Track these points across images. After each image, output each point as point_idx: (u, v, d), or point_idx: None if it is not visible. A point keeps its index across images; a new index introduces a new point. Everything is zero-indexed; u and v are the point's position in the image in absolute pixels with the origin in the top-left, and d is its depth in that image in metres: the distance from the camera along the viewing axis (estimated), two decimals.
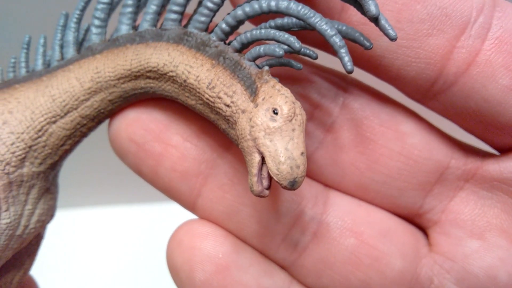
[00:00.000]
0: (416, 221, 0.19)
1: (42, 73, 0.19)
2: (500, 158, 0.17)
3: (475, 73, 0.15)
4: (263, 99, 0.15)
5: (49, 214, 0.21)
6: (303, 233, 0.18)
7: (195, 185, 0.18)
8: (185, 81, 0.17)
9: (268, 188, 0.15)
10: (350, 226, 0.18)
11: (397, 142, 0.17)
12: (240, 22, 0.16)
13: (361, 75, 0.18)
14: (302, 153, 0.15)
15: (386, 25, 0.15)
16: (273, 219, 0.18)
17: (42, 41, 0.20)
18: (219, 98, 0.16)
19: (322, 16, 0.15)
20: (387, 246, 0.18)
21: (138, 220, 0.49)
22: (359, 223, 0.18)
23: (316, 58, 0.16)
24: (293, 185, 0.15)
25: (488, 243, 0.18)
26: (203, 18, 0.17)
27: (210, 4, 0.17)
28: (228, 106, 0.16)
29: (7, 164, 0.18)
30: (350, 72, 0.15)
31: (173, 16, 0.17)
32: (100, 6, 0.19)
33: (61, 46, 0.19)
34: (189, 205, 0.18)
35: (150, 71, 0.18)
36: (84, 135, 0.19)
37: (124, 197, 0.49)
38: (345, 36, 0.16)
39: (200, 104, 0.17)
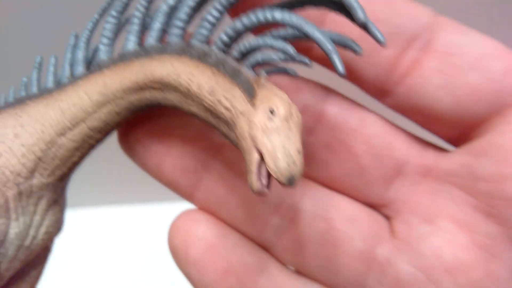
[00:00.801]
0: (382, 211, 0.21)
1: (52, 90, 0.20)
2: (451, 154, 0.20)
3: (416, 76, 0.19)
4: (261, 102, 0.16)
5: (56, 227, 0.21)
6: (282, 219, 0.21)
7: (192, 180, 0.21)
8: (187, 89, 0.18)
9: (268, 187, 0.16)
10: (321, 213, 0.21)
11: (364, 142, 0.20)
12: (239, 34, 0.17)
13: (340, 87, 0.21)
14: (298, 151, 0.15)
15: (375, 31, 0.16)
16: (257, 208, 0.21)
17: (53, 61, 0.21)
18: (219, 102, 0.17)
19: (316, 25, 0.16)
20: (351, 230, 0.21)
21: (138, 220, 0.50)
22: (329, 210, 0.21)
23: (309, 64, 0.17)
24: (290, 182, 0.15)
25: (437, 228, 0.20)
26: (204, 32, 0.18)
27: (210, 18, 0.18)
28: (227, 109, 0.17)
29: (18, 175, 0.19)
30: (342, 74, 0.16)
31: (176, 31, 0.19)
32: (109, 26, 0.20)
33: (71, 65, 0.20)
34: (188, 197, 0.22)
35: (154, 82, 0.18)
36: (92, 147, 0.20)
37: (124, 197, 0.49)
38: (337, 43, 0.17)
39: (202, 110, 0.18)
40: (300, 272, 0.21)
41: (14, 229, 0.19)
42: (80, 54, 0.20)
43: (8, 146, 0.19)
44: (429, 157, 0.20)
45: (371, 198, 0.21)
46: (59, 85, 0.20)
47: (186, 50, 0.18)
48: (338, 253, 0.21)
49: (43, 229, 0.20)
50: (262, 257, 0.21)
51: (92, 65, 0.20)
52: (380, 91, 0.20)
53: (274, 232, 0.21)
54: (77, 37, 0.20)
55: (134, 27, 0.19)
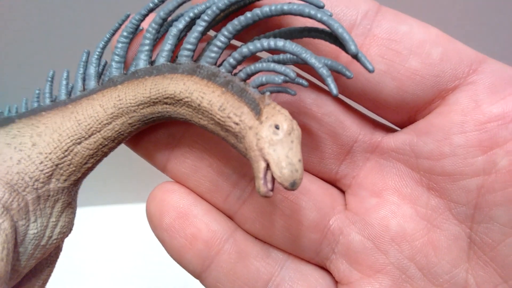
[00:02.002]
0: (337, 185, 0.24)
1: (67, 102, 0.22)
2: (397, 133, 0.23)
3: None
4: (266, 118, 0.19)
5: (69, 227, 0.23)
6: (244, 190, 0.23)
7: (165, 152, 0.23)
8: (199, 105, 0.20)
9: (272, 190, 0.18)
10: (278, 185, 0.23)
11: (318, 122, 0.22)
12: (245, 57, 0.20)
13: None
14: (299, 160, 0.18)
15: (365, 61, 0.19)
16: (221, 179, 0.23)
17: (65, 75, 0.22)
18: (229, 117, 0.19)
19: (312, 52, 0.19)
20: (305, 201, 0.23)
21: (138, 220, 0.49)
22: None
23: (307, 86, 0.20)
24: (293, 186, 0.18)
25: (383, 200, 0.23)
26: (213, 54, 0.21)
27: (218, 43, 0.20)
28: (237, 124, 0.19)
29: (36, 180, 0.21)
30: (336, 95, 0.19)
31: (186, 53, 0.21)
32: (120, 44, 0.22)
33: (83, 79, 0.22)
34: (162, 168, 0.24)
35: (167, 97, 0.21)
36: (105, 154, 0.22)
37: (124, 197, 0.50)
38: (330, 68, 0.20)
39: (211, 124, 0.20)
40: (261, 239, 0.24)
41: (33, 230, 0.21)
42: (92, 70, 0.22)
43: (27, 154, 0.21)
44: (377, 136, 0.23)
45: (325, 173, 0.23)
46: (73, 98, 0.22)
47: (196, 71, 0.21)
48: (293, 222, 0.23)
49: (57, 230, 0.22)
50: (229, 225, 0.23)
51: (102, 79, 0.22)
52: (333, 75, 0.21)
53: (236, 202, 0.23)
54: (88, 53, 0.22)
55: (146, 47, 0.22)
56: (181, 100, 0.21)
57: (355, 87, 0.21)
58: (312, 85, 0.22)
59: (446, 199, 0.22)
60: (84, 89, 0.22)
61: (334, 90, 0.19)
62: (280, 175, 0.18)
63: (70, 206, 0.23)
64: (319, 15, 0.19)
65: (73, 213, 0.23)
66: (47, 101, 0.22)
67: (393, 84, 0.21)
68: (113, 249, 0.50)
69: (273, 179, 0.18)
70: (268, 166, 0.18)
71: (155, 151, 0.24)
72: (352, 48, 0.18)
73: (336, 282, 0.24)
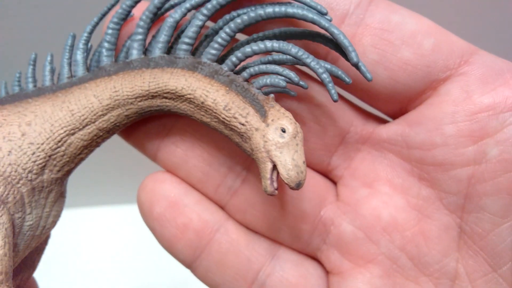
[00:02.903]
0: (329, 176, 0.24)
1: (55, 89, 0.21)
2: (389, 124, 0.23)
3: None
4: (272, 120, 0.19)
5: (59, 216, 0.23)
6: (235, 180, 0.23)
7: (155, 141, 0.23)
8: (202, 103, 0.20)
9: (277, 189, 0.19)
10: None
11: (310, 113, 0.22)
12: (247, 57, 0.20)
13: None
14: (303, 162, 0.19)
15: (365, 70, 0.20)
16: (212, 169, 0.23)
17: (49, 58, 0.22)
18: (235, 118, 0.20)
19: (314, 56, 0.20)
20: (296, 192, 0.23)
21: (137, 220, 0.50)
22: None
23: (306, 88, 0.20)
24: (298, 186, 0.19)
25: (375, 190, 0.23)
26: (214, 51, 0.21)
27: (220, 40, 0.20)
28: (243, 124, 0.20)
29: (30, 172, 0.20)
30: (336, 101, 0.20)
31: (185, 46, 0.21)
32: (110, 31, 0.21)
33: (70, 65, 0.22)
34: (152, 157, 0.24)
35: (168, 92, 0.21)
36: (98, 145, 0.22)
37: (123, 197, 0.50)
38: (330, 73, 0.20)
39: (215, 121, 0.20)
40: (253, 229, 0.24)
41: (28, 221, 0.20)
42: (80, 56, 0.21)
43: (18, 145, 0.20)
44: (369, 127, 0.23)
45: (316, 164, 0.23)
46: (61, 85, 0.21)
47: (197, 67, 0.21)
48: (284, 213, 0.23)
49: (50, 219, 0.22)
50: (220, 215, 0.23)
51: (91, 66, 0.22)
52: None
53: (227, 192, 0.23)
54: (74, 37, 0.22)
55: (139, 36, 0.21)
56: (183, 96, 0.21)
57: (348, 75, 0.21)
58: (304, 75, 0.22)
59: (437, 189, 0.22)
60: (71, 75, 0.22)
61: (335, 96, 0.20)
62: (287, 176, 0.19)
63: (62, 195, 0.22)
64: (323, 22, 0.19)
65: (64, 202, 0.23)
66: (30, 86, 0.22)
67: (385, 74, 0.21)
68: (111, 250, 0.50)
69: (278, 178, 0.19)
70: (274, 167, 0.19)
71: (145, 140, 0.23)
72: (353, 56, 0.19)
73: (327, 272, 0.24)
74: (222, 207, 0.24)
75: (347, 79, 0.20)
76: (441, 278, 0.22)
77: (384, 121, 0.23)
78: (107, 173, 0.47)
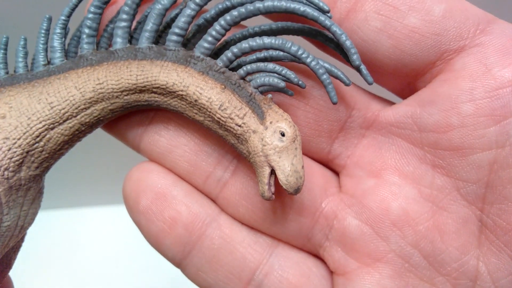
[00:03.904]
0: (330, 166, 0.22)
1: (30, 78, 0.20)
2: (396, 105, 0.21)
3: (353, 18, 0.19)
4: (270, 123, 0.19)
5: (37, 213, 0.21)
6: (225, 170, 0.21)
7: (137, 131, 0.21)
8: (196, 100, 0.19)
9: (273, 193, 0.19)
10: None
11: (305, 95, 0.20)
12: (244, 53, 0.19)
13: None
14: (302, 167, 0.19)
15: (366, 73, 0.19)
16: (200, 159, 0.21)
17: (22, 43, 0.20)
18: (231, 118, 0.19)
19: (313, 56, 0.19)
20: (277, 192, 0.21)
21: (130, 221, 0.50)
22: None
23: (304, 87, 0.19)
24: (296, 192, 0.19)
25: (382, 180, 0.21)
26: (207, 45, 0.19)
27: (214, 34, 0.19)
28: (239, 126, 0.19)
29: (6, 169, 0.19)
30: (335, 103, 0.19)
31: (175, 38, 0.19)
32: (91, 15, 0.20)
33: (46, 50, 0.20)
34: (135, 147, 0.22)
35: (157, 87, 0.19)
36: (79, 139, 0.20)
37: (120, 198, 0.50)
38: (329, 73, 0.19)
39: (208, 121, 0.19)
40: (247, 224, 0.22)
41: (6, 222, 0.19)
42: (57, 41, 0.20)
43: None
44: (373, 109, 0.21)
45: (315, 153, 0.21)
46: (37, 74, 0.20)
47: (190, 61, 0.19)
48: (280, 205, 0.21)
49: (28, 218, 0.20)
50: (212, 208, 0.21)
51: (68, 52, 0.20)
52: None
53: (217, 184, 0.21)
54: (50, 20, 0.20)
55: (123, 23, 0.20)
56: (174, 92, 0.19)
57: None
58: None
59: (453, 177, 0.19)
60: (48, 62, 0.20)
61: (334, 99, 0.19)
62: (286, 182, 0.18)
63: (39, 192, 0.21)
64: (325, 21, 0.18)
65: (41, 198, 0.21)
66: (1, 72, 0.20)
67: (389, 43, 0.19)
68: (108, 250, 0.49)
69: (275, 183, 0.19)
70: (272, 172, 0.19)
71: (127, 129, 0.21)
72: (355, 58, 0.19)
73: (331, 272, 0.22)
74: (212, 200, 0.22)
75: (346, 81, 0.19)
76: (460, 278, 0.19)
77: (390, 103, 0.21)
78: (105, 173, 0.46)
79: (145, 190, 0.21)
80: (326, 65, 0.19)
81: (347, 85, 0.20)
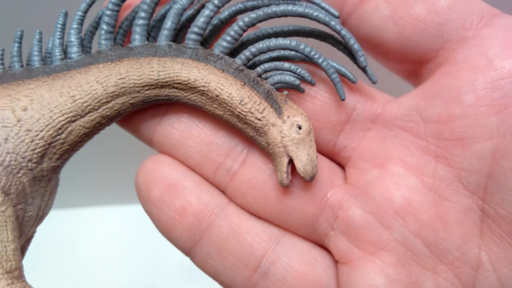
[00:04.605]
0: (336, 159, 0.23)
1: (48, 72, 0.20)
2: (400, 99, 0.21)
3: (365, 6, 0.20)
4: (288, 117, 0.20)
5: (53, 203, 0.22)
6: (234, 161, 0.22)
7: (151, 124, 0.22)
8: (217, 96, 0.20)
9: (290, 180, 0.21)
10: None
11: (312, 89, 0.21)
12: (262, 53, 0.20)
13: None
14: (316, 157, 0.20)
15: (371, 73, 0.21)
16: (210, 150, 0.22)
17: (38, 37, 0.21)
18: (251, 113, 0.20)
19: (324, 56, 0.20)
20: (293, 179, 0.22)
21: (135, 220, 0.50)
22: None
23: (314, 84, 0.21)
24: (312, 179, 0.20)
25: (386, 171, 0.21)
26: (226, 44, 0.20)
27: (233, 33, 0.20)
28: (259, 119, 0.20)
29: (29, 161, 0.19)
30: (343, 99, 0.21)
31: (194, 36, 0.20)
32: (109, 12, 0.20)
33: (62, 45, 0.20)
34: (148, 140, 0.23)
35: (179, 83, 0.20)
36: (98, 132, 0.21)
37: (123, 197, 0.50)
38: (338, 72, 0.21)
39: (228, 115, 0.20)
40: (255, 214, 0.22)
41: (29, 212, 0.20)
42: (75, 36, 0.20)
43: (14, 132, 0.19)
44: (378, 103, 0.22)
45: (322, 144, 0.22)
46: (56, 68, 0.20)
47: (209, 59, 0.20)
48: (287, 194, 0.21)
49: (47, 208, 0.21)
50: (220, 198, 0.22)
51: (83, 47, 0.21)
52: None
53: (227, 174, 0.22)
54: (66, 15, 0.21)
55: (142, 21, 0.20)
56: (195, 88, 0.20)
57: (359, 32, 0.21)
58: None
59: (455, 168, 0.20)
60: (65, 57, 0.21)
61: (343, 96, 0.21)
62: (304, 170, 0.20)
63: (57, 183, 0.22)
64: (335, 25, 0.20)
65: (57, 189, 0.22)
66: (17, 65, 0.20)
67: (395, 30, 0.20)
68: (110, 250, 0.50)
69: (293, 171, 0.21)
70: (289, 161, 0.20)
71: (141, 123, 0.22)
72: (362, 60, 0.20)
73: (336, 262, 0.22)
74: (222, 191, 0.22)
75: (353, 79, 0.21)
76: (462, 267, 0.20)
77: (393, 98, 0.22)
78: (107, 174, 0.47)
79: (157, 181, 0.22)
80: (335, 64, 0.21)
81: (353, 82, 0.21)
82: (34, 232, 0.22)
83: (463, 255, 0.20)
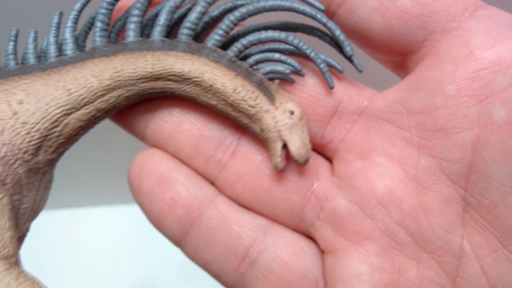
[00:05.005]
0: (323, 152, 0.23)
1: (43, 68, 0.21)
2: (385, 92, 0.22)
3: None
4: (280, 103, 0.21)
5: (47, 200, 0.22)
6: (224, 153, 0.22)
7: (144, 119, 0.23)
8: (211, 86, 0.21)
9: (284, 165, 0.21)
10: (259, 147, 0.22)
11: (300, 83, 0.22)
12: (253, 45, 0.21)
13: None
14: (309, 141, 0.21)
15: (357, 62, 0.21)
16: (201, 143, 0.22)
17: (33, 35, 0.21)
18: (245, 100, 0.21)
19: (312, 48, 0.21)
20: (287, 165, 0.22)
21: (135, 220, 0.50)
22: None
23: (303, 75, 0.22)
24: (305, 162, 0.21)
25: (370, 162, 0.21)
26: (218, 37, 0.21)
27: (225, 27, 0.21)
28: (252, 107, 0.21)
29: (25, 152, 0.20)
30: (333, 88, 0.21)
31: (187, 31, 0.21)
32: (103, 10, 0.21)
33: (57, 43, 0.21)
34: (140, 135, 0.23)
35: (173, 75, 0.21)
36: (93, 126, 0.21)
37: (122, 197, 0.50)
38: (326, 63, 0.22)
39: (222, 104, 0.21)
40: (244, 204, 0.23)
41: (24, 204, 0.20)
42: (69, 34, 0.21)
43: (10, 124, 0.19)
44: (364, 96, 0.22)
45: (310, 137, 0.22)
46: (51, 64, 0.21)
47: (202, 52, 0.21)
48: (274, 183, 0.22)
49: (41, 203, 0.21)
50: (210, 190, 0.22)
51: (80, 46, 0.21)
52: (326, 13, 0.21)
53: (217, 166, 0.22)
54: (61, 15, 0.21)
55: (135, 18, 0.21)
56: (189, 79, 0.21)
57: (347, 24, 0.21)
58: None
59: (438, 158, 0.20)
60: (60, 54, 0.21)
61: (331, 84, 0.21)
62: (298, 154, 0.21)
63: (51, 178, 0.22)
64: (321, 18, 0.21)
65: (51, 186, 0.22)
66: (12, 63, 0.21)
67: (381, 21, 0.20)
68: (110, 250, 0.50)
69: (285, 156, 0.21)
70: (283, 146, 0.21)
71: (134, 118, 0.23)
72: (348, 50, 0.21)
73: (322, 252, 0.22)
74: (212, 182, 0.23)
75: (340, 68, 0.22)
76: (444, 256, 0.20)
77: (379, 93, 0.22)
78: (107, 174, 0.47)
79: (148, 173, 0.22)
80: (322, 55, 0.21)
81: (341, 72, 0.21)
82: (27, 228, 0.23)
83: (446, 244, 0.20)
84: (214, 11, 0.22)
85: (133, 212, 0.50)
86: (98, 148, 0.44)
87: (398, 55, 0.21)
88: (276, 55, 0.21)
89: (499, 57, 0.19)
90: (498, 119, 0.19)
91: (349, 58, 0.21)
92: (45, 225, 0.49)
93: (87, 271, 0.49)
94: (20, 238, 0.22)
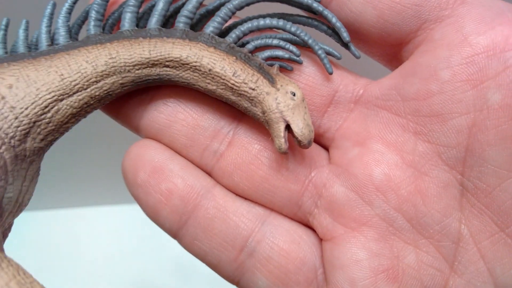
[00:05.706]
0: (321, 141, 0.23)
1: (34, 55, 0.20)
2: (381, 80, 0.22)
3: None
4: (281, 86, 0.21)
5: (32, 195, 0.21)
6: (221, 143, 0.22)
7: (138, 110, 0.22)
8: (210, 70, 0.20)
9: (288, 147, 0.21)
10: (256, 136, 0.22)
11: (295, 72, 0.22)
12: (251, 32, 0.21)
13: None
14: (312, 122, 0.21)
15: (354, 49, 0.22)
16: (197, 133, 0.22)
17: (24, 26, 0.21)
18: (245, 83, 0.20)
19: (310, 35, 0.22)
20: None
21: (135, 220, 0.50)
22: (263, 136, 0.22)
23: (301, 63, 0.22)
24: (309, 143, 0.21)
25: (367, 149, 0.22)
26: (216, 25, 0.21)
27: (223, 15, 0.21)
28: (253, 89, 0.20)
29: (12, 138, 0.19)
30: (331, 73, 0.21)
31: (184, 19, 0.21)
32: (99, 1, 0.21)
33: (50, 33, 0.21)
34: (135, 127, 0.23)
35: (171, 61, 0.20)
36: (86, 115, 0.21)
37: (122, 197, 0.50)
38: (323, 49, 0.22)
39: (221, 89, 0.21)
40: (241, 194, 0.23)
41: (9, 193, 0.19)
42: (63, 23, 0.21)
43: None
44: (360, 85, 0.22)
45: None
46: (43, 52, 0.20)
47: (199, 38, 0.21)
48: (272, 172, 0.22)
49: (26, 197, 0.20)
50: (206, 180, 0.22)
51: (73, 37, 0.21)
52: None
53: (213, 156, 0.22)
54: (55, 6, 0.21)
55: (132, 8, 0.21)
56: (187, 64, 0.21)
57: (340, 17, 0.21)
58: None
59: (434, 143, 0.20)
60: (52, 43, 0.21)
61: (330, 69, 0.21)
62: (301, 134, 0.20)
63: (37, 172, 0.21)
64: (318, 7, 0.21)
65: (37, 180, 0.21)
66: (1, 52, 0.20)
67: (373, 13, 0.20)
68: (110, 250, 0.50)
69: (288, 137, 0.21)
70: (286, 128, 0.20)
71: (128, 110, 0.22)
72: (345, 36, 0.21)
73: (320, 240, 0.22)
74: (208, 173, 0.23)
75: (337, 55, 0.22)
76: (442, 240, 0.20)
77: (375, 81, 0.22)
78: (108, 174, 0.47)
79: (143, 165, 0.22)
80: (320, 43, 0.22)
81: (338, 58, 0.22)
82: (11, 224, 0.22)
83: (444, 228, 0.20)
84: (210, 4, 0.22)
85: (133, 212, 0.50)
86: (98, 148, 0.44)
87: (392, 46, 0.21)
88: (275, 41, 0.21)
89: (492, 42, 0.19)
90: (494, 103, 0.19)
91: (346, 45, 0.21)
92: (45, 225, 0.49)
93: (87, 271, 0.48)
94: (3, 234, 0.21)
